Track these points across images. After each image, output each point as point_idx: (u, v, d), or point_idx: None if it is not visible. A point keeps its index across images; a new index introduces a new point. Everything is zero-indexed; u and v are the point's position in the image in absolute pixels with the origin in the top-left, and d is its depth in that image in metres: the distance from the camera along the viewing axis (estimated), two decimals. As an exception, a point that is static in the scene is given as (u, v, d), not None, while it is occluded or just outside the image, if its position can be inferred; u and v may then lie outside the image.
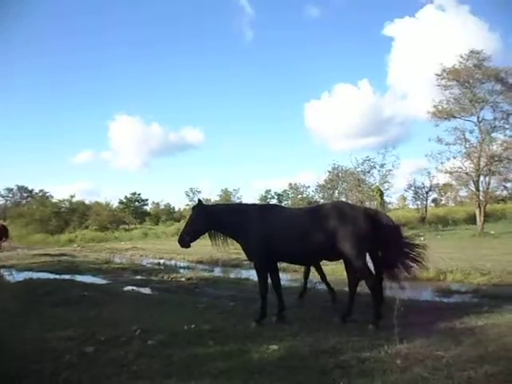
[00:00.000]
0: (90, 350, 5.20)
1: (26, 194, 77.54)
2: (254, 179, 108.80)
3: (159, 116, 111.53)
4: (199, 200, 7.31)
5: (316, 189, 48.00)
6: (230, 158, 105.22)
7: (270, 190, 63.74)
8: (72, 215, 50.09)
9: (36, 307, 7.99)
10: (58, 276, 12.56)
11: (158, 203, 71.89)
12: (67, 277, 12.51)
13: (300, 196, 55.15)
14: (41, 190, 67.72)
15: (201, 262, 14.74)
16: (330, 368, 4.47)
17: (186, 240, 6.90)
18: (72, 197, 53.68)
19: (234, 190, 56.81)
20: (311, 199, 47.28)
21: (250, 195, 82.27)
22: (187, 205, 55.65)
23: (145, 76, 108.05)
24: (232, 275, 11.88)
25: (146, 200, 65.61)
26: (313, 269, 9.06)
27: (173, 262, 16.46)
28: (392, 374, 4.17)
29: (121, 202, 60.90)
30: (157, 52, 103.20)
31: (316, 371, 4.41)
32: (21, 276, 13.02)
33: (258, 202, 55.01)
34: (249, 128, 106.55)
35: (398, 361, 4.48)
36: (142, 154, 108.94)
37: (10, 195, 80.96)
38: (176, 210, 70.60)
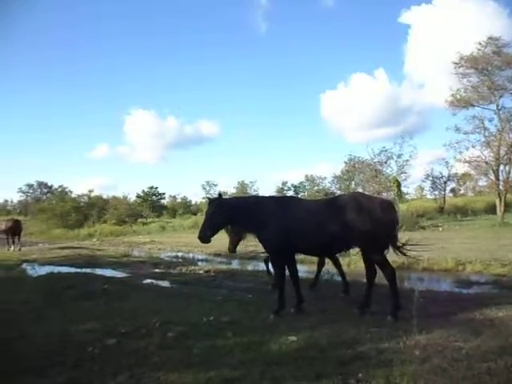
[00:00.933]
0: (112, 341, 5.31)
1: (45, 190, 79.04)
2: (271, 171, 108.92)
3: (175, 109, 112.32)
4: (219, 194, 7.33)
5: (332, 180, 47.88)
6: (246, 151, 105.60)
7: (286, 182, 63.78)
8: (91, 210, 50.67)
9: (58, 301, 8.14)
10: (78, 270, 12.77)
11: (174, 196, 72.49)
12: (88, 270, 12.70)
13: (316, 188, 55.02)
14: (60, 186, 68.96)
15: (218, 255, 14.82)
16: (349, 359, 4.50)
17: (207, 235, 6.89)
18: (90, 191, 54.36)
19: (251, 182, 56.94)
20: (328, 190, 47.09)
21: (266, 187, 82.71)
22: (204, 198, 55.91)
23: (160, 69, 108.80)
24: (249, 267, 11.95)
25: (163, 194, 66.23)
26: (328, 261, 9.07)
27: (191, 255, 16.61)
28: (411, 365, 4.18)
29: (138, 196, 61.51)
30: (172, 45, 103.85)
31: (334, 362, 4.44)
32: (43, 270, 13.26)
33: (274, 194, 55.02)
34: (265, 120, 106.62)
35: (416, 352, 4.50)
36: (158, 148, 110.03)
37: (31, 191, 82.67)
38: (193, 203, 71.05)
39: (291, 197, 7.26)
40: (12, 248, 21.13)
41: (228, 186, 66.07)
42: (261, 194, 48.96)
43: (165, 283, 10.37)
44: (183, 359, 4.66)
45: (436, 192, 44.10)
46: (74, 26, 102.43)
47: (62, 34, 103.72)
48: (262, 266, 11.05)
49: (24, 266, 14.55)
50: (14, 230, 21.32)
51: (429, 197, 48.55)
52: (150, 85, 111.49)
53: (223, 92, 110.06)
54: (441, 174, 41.60)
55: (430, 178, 43.06)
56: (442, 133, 71.17)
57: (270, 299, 7.23)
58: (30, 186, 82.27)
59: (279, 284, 6.81)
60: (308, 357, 4.62)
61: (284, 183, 63.61)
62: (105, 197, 58.13)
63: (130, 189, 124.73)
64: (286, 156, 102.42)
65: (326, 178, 55.33)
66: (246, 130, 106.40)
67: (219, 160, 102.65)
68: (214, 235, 7.00)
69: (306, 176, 61.10)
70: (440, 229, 25.01)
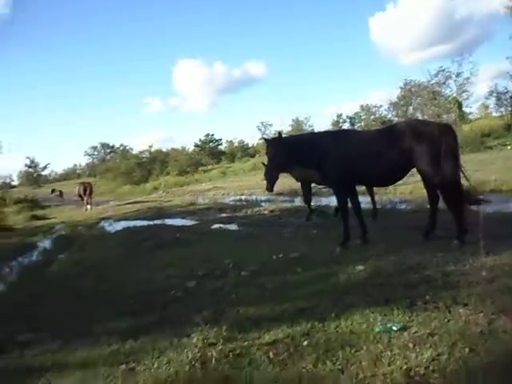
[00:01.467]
0: (192, 284, 5.81)
1: (108, 150, 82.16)
2: (324, 106, 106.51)
3: (221, 54, 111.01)
4: (279, 133, 7.38)
5: (388, 107, 46.09)
6: (297, 87, 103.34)
7: (341, 115, 62.17)
8: (153, 164, 52.47)
9: (137, 252, 8.81)
10: (150, 222, 13.50)
11: (231, 141, 72.90)
12: (159, 222, 13.40)
13: (373, 117, 53.39)
14: (121, 145, 71.42)
15: (281, 194, 15.11)
16: (416, 283, 4.67)
17: (273, 176, 7.29)
18: (150, 147, 56.05)
19: (305, 118, 55.99)
20: (384, 119, 45.63)
21: (321, 122, 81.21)
22: (260, 139, 55.99)
23: (203, 15, 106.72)
24: (312, 203, 12.15)
25: (220, 140, 66.86)
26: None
27: (254, 197, 17.00)
28: (478, 286, 4.26)
29: (196, 145, 62.59)
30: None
31: (402, 287, 4.63)
32: (119, 226, 14.17)
33: (330, 127, 54.15)
34: (313, 52, 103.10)
35: (483, 273, 4.55)
36: (208, 95, 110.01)
37: (96, 153, 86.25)
38: (250, 145, 71.28)
39: (348, 129, 7.31)
40: (87, 207, 23.05)
41: (283, 125, 65.46)
42: (316, 130, 48.42)
43: (232, 226, 10.84)
44: (258, 294, 5.05)
45: (502, 109, 41.24)
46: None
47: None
48: (324, 202, 11.22)
49: (102, 223, 15.59)
50: (86, 191, 23.36)
51: (494, 115, 45.62)
52: (194, 33, 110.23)
53: (268, 26, 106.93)
54: (506, 89, 38.76)
55: (495, 95, 40.21)
56: (506, 43, 65.82)
57: (335, 233, 7.44)
58: (94, 148, 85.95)
59: (343, 216, 6.98)
60: (376, 283, 4.84)
61: (339, 116, 62.10)
62: (164, 150, 59.74)
63: (186, 139, 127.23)
64: (338, 88, 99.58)
65: (381, 106, 53.47)
66: (294, 65, 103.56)
67: (271, 99, 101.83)
68: (279, 174, 7.31)
69: (361, 106, 59.25)
70: (508, 147, 23.84)
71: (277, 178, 9.48)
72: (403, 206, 11.10)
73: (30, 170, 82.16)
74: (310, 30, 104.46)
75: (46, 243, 12.34)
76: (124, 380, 3.49)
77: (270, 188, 9.52)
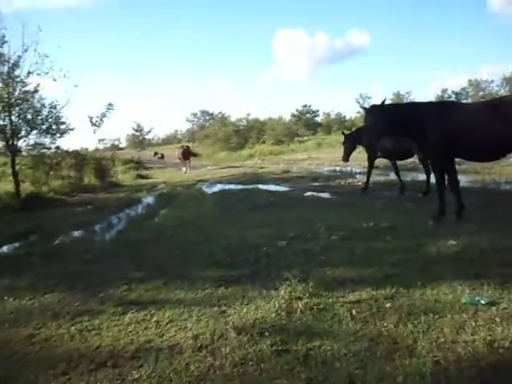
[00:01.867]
0: (283, 243, 6.09)
1: (208, 117, 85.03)
2: (429, 80, 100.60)
3: (323, 23, 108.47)
4: (383, 101, 7.10)
5: (501, 83, 42.44)
6: (400, 60, 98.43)
7: (446, 90, 58.31)
8: (249, 132, 53.41)
9: (232, 212, 9.31)
10: (245, 186, 14.05)
11: (328, 113, 71.68)
12: (253, 186, 13.88)
13: (482, 93, 49.50)
14: (220, 112, 73.39)
15: (376, 168, 14.81)
16: (511, 262, 4.53)
17: (373, 139, 7.25)
18: (248, 115, 56.99)
19: (407, 92, 53.55)
20: (495, 95, 42.11)
21: (424, 97, 76.65)
22: (358, 112, 54.59)
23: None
24: (408, 178, 11.85)
25: (317, 111, 65.99)
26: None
27: (348, 169, 16.86)
28: None
29: (293, 115, 62.46)
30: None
31: (495, 264, 4.53)
32: (215, 188, 14.91)
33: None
34: (420, 23, 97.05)
35: None
36: (308, 65, 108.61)
37: (195, 119, 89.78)
38: (347, 118, 69.65)
39: (452, 101, 6.97)
40: (184, 170, 24.94)
41: (382, 98, 62.80)
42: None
43: (325, 195, 10.95)
44: (346, 258, 5.21)
45: None
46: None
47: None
48: (421, 177, 10.89)
49: (199, 184, 16.44)
50: (185, 155, 25.32)
51: None
52: (294, 3, 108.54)
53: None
54: None
55: None
56: None
57: (429, 207, 7.30)
58: (194, 114, 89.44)
59: (439, 189, 6.81)
60: (467, 258, 4.79)
61: (444, 90, 58.26)
62: (261, 119, 60.43)
63: (284, 109, 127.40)
64: (445, 62, 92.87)
65: (492, 81, 49.44)
66: (399, 35, 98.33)
67: (372, 71, 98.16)
68: (378, 139, 7.17)
69: (470, 81, 55.15)
70: None
71: (353, 150, 10.89)
72: (507, 187, 10.44)
73: (137, 133, 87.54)
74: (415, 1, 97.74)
75: (149, 199, 13.34)
76: (215, 319, 3.86)
77: (345, 158, 9.63)
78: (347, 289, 4.24)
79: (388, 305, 3.78)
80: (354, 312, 3.72)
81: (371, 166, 10.79)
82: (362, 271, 4.71)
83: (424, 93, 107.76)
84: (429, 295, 3.93)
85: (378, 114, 6.77)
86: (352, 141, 10.94)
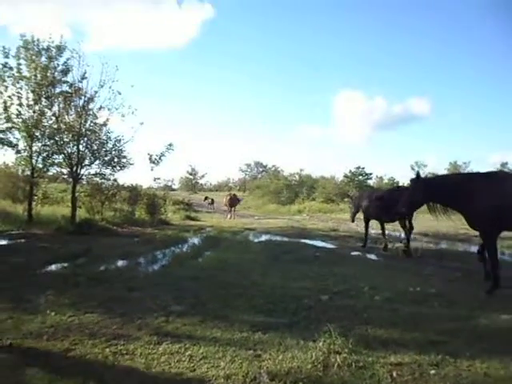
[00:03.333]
0: (325, 297, 5.96)
1: (261, 169, 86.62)
2: (489, 152, 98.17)
3: (383, 88, 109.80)
4: (417, 172, 7.35)
5: None
6: (460, 129, 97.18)
7: (506, 163, 56.65)
8: (301, 187, 53.61)
9: (278, 262, 9.25)
10: (292, 239, 14.01)
11: (381, 177, 71.10)
12: (300, 240, 13.81)
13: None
14: (273, 165, 74.43)
15: (426, 235, 14.44)
16: None
17: (401, 210, 7.40)
18: (301, 170, 57.45)
19: (464, 163, 52.36)
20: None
21: (482, 169, 74.42)
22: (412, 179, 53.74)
23: (369, 47, 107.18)
24: (459, 248, 11.44)
25: (370, 174, 65.53)
26: None
27: (397, 233, 16.48)
28: None
29: (345, 176, 62.33)
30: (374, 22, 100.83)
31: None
32: (262, 237, 14.94)
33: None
34: (483, 93, 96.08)
35: None
36: (365, 128, 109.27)
37: (249, 170, 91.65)
38: (400, 184, 68.67)
39: (500, 171, 6.93)
40: (229, 216, 26.09)
41: (438, 167, 61.89)
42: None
43: (371, 256, 10.70)
44: (389, 319, 5.00)
45: None
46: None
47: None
48: (473, 248, 10.49)
49: (246, 232, 16.52)
50: (232, 203, 27.12)
51: None
52: (357, 64, 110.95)
53: (435, 65, 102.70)
54: None
55: None
56: None
57: (479, 278, 6.99)
58: (248, 165, 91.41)
59: (493, 261, 6.48)
60: (523, 336, 4.48)
61: (503, 164, 56.64)
62: (314, 176, 60.67)
63: (337, 168, 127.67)
64: (507, 135, 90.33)
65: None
66: (461, 105, 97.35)
67: (430, 139, 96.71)
68: (410, 212, 7.76)
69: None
70: None
71: (357, 212, 12.80)
72: None
73: (190, 176, 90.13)
74: (482, 68, 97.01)
75: (195, 240, 13.50)
76: (249, 362, 3.78)
77: (352, 219, 12.68)
78: (389, 350, 4.05)
79: (432, 372, 3.58)
80: (394, 374, 3.54)
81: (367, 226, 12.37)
82: (405, 334, 4.50)
83: (483, 165, 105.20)
84: (478, 368, 3.69)
85: (417, 184, 7.07)
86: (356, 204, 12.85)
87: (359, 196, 13.65)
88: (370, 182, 66.85)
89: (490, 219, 6.31)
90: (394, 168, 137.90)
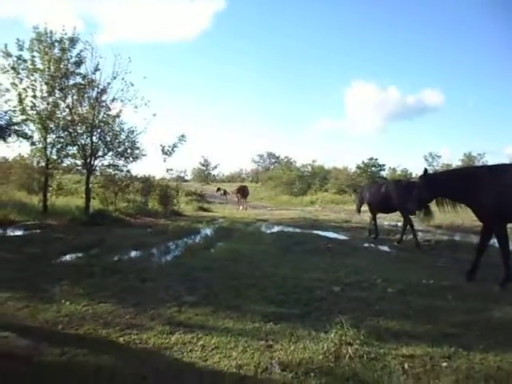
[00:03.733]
0: (337, 289, 5.94)
1: (273, 160, 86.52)
2: (504, 143, 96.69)
3: (396, 79, 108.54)
4: (425, 169, 7.34)
5: None
6: (474, 120, 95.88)
7: (521, 153, 55.98)
8: (313, 179, 53.43)
9: (289, 253, 9.25)
10: (304, 230, 13.98)
11: (394, 168, 70.54)
12: (312, 231, 13.78)
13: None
14: (286, 157, 74.33)
15: (439, 227, 14.32)
16: None
17: (412, 207, 7.51)
18: (314, 162, 57.24)
19: (479, 154, 51.72)
20: None
21: (497, 161, 73.45)
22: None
23: (381, 38, 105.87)
24: (474, 241, 11.32)
25: (383, 165, 65.01)
26: None
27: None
28: None
29: (358, 167, 61.95)
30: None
31: None
32: (274, 228, 14.95)
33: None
34: (497, 83, 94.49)
35: None
36: (378, 119, 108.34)
37: (261, 161, 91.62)
38: (413, 175, 68.04)
39: (507, 164, 6.82)
40: (240, 208, 26.24)
41: (453, 158, 61.18)
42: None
43: (384, 247, 10.66)
44: (402, 311, 4.98)
45: None
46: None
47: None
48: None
49: (258, 223, 16.54)
50: (242, 193, 27.11)
51: None
52: (370, 55, 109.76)
53: (449, 56, 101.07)
54: None
55: None
56: None
57: (495, 271, 6.91)
58: (260, 156, 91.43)
59: (505, 254, 6.41)
60: (537, 329, 4.44)
61: (519, 154, 55.95)
62: (326, 167, 60.41)
63: (349, 159, 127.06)
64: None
65: None
66: (475, 96, 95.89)
67: (444, 130, 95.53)
68: (420, 208, 7.83)
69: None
70: None
71: (362, 204, 13.33)
72: None
73: (203, 167, 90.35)
74: (496, 59, 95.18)
75: (207, 231, 13.56)
76: (261, 352, 3.80)
77: (358, 210, 13.30)
78: (401, 342, 4.04)
79: (444, 364, 3.56)
80: (406, 366, 3.53)
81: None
82: (417, 326, 4.48)
83: (498, 156, 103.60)
84: (491, 361, 3.66)
85: (424, 180, 7.15)
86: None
87: (363, 188, 14.00)
88: (383, 173, 66.43)
89: (494, 211, 6.28)
90: (408, 159, 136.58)
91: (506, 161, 54.46)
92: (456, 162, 51.99)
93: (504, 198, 6.14)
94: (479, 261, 6.72)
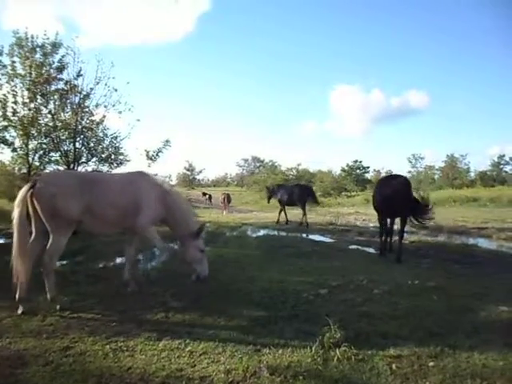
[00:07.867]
0: (324, 291, 5.96)
1: (258, 164, 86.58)
2: (486, 145, 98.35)
3: (380, 81, 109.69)
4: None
5: None
6: (458, 122, 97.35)
7: (503, 156, 56.98)
8: (298, 182, 53.68)
9: (275, 256, 9.24)
10: (290, 233, 13.99)
11: (379, 171, 71.30)
12: (298, 234, 13.79)
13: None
14: (271, 160, 74.42)
15: (425, 228, 14.46)
16: None
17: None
18: (298, 165, 57.44)
19: (461, 155, 52.60)
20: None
21: (479, 162, 74.84)
22: (409, 172, 54.11)
23: (363, 42, 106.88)
24: (457, 241, 11.47)
25: (368, 167, 65.77)
26: None
27: (396, 227, 16.52)
28: None
29: (343, 170, 62.47)
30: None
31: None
32: (260, 232, 14.93)
33: (489, 168, 50.18)
34: (481, 86, 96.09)
35: None
36: (362, 122, 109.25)
37: (246, 165, 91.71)
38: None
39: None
40: (225, 212, 27.17)
41: (436, 160, 61.93)
42: (473, 169, 45.02)
43: (369, 249, 10.70)
44: (388, 312, 5.02)
45: None
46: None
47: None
48: (471, 240, 10.54)
49: (244, 227, 16.49)
50: (228, 199, 28.86)
51: None
52: (353, 59, 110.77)
53: (433, 58, 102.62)
54: None
55: None
56: None
57: (479, 272, 7.02)
58: (245, 160, 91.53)
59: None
60: (521, 327, 4.51)
61: (500, 157, 56.92)
62: (311, 170, 60.73)
63: (335, 162, 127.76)
64: (508, 127, 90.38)
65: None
66: (459, 98, 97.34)
67: (428, 132, 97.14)
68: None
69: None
70: None
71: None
72: None
73: (188, 172, 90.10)
74: (481, 61, 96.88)
75: (193, 236, 13.43)
76: (249, 356, 3.79)
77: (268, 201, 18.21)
78: (388, 342, 4.08)
79: (431, 363, 3.60)
80: (394, 367, 3.57)
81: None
82: (404, 327, 4.52)
83: (480, 157, 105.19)
84: (476, 359, 3.71)
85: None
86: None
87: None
88: (368, 176, 67.07)
89: None
90: (393, 161, 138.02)
91: (488, 160, 55.14)
92: (439, 163, 52.75)
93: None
94: None
